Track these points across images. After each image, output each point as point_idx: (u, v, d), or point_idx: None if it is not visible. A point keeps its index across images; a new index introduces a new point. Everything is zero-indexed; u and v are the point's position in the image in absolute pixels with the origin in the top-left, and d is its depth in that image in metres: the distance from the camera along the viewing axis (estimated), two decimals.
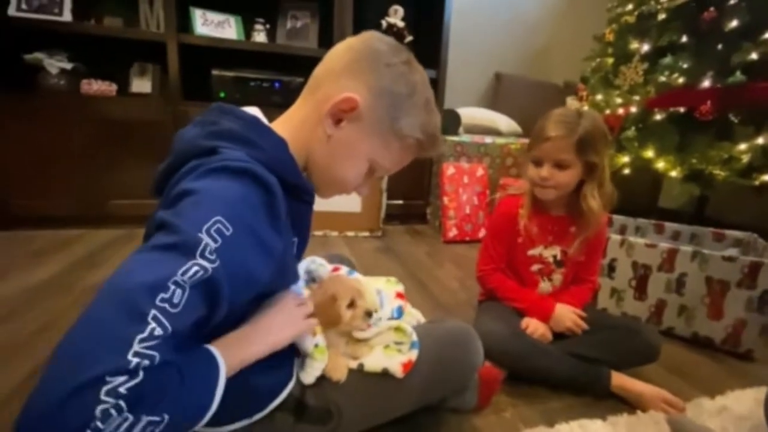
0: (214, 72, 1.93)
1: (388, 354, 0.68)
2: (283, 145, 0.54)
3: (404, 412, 0.69)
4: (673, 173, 1.55)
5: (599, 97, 1.86)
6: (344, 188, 0.63)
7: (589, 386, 0.91)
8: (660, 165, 1.58)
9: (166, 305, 0.35)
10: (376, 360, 0.67)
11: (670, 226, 1.47)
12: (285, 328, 0.56)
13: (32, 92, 1.79)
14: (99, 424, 0.30)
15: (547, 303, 1.01)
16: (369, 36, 0.59)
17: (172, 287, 0.36)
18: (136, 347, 0.33)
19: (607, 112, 1.79)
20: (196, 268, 0.37)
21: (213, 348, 0.46)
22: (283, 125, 0.58)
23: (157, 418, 0.34)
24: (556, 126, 0.94)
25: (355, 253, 1.78)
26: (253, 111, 0.56)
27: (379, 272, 1.57)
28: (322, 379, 0.64)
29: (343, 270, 0.83)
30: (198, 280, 0.37)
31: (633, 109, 1.69)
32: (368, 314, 0.67)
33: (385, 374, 0.65)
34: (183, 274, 0.37)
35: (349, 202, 2.07)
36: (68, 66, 1.83)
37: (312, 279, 0.77)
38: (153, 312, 0.34)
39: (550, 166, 0.95)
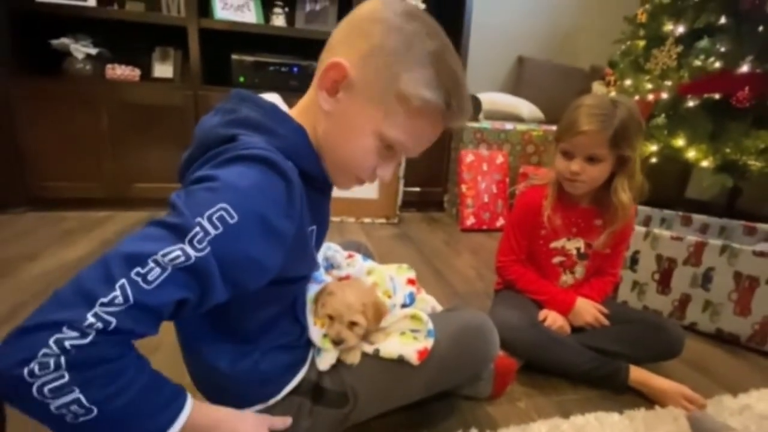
0: (234, 56, 1.94)
1: (404, 341, 0.68)
2: (301, 133, 0.53)
3: (418, 397, 0.70)
4: (705, 163, 1.48)
5: (628, 82, 1.78)
6: (357, 171, 0.56)
7: (607, 380, 0.90)
8: (691, 154, 1.51)
9: (139, 279, 0.36)
10: (392, 346, 0.67)
11: (698, 218, 1.42)
12: None
13: (60, 77, 1.84)
14: (36, 368, 0.33)
15: (568, 296, 0.99)
16: (366, 1, 0.54)
17: (151, 264, 0.37)
18: (96, 308, 0.35)
19: (636, 98, 1.71)
20: (178, 252, 0.38)
21: (189, 400, 0.45)
22: (296, 111, 0.57)
23: (85, 401, 0.35)
24: (590, 119, 0.89)
25: (371, 240, 1.79)
26: (272, 98, 0.56)
27: (395, 260, 1.56)
28: (338, 363, 0.65)
29: (358, 257, 0.84)
30: (181, 265, 0.38)
31: (664, 95, 1.61)
32: (335, 342, 0.64)
33: (401, 361, 0.65)
34: (164, 255, 0.38)
35: (366, 189, 2.07)
36: (93, 51, 1.87)
37: (331, 265, 0.78)
38: (122, 281, 0.36)
39: (582, 161, 0.91)
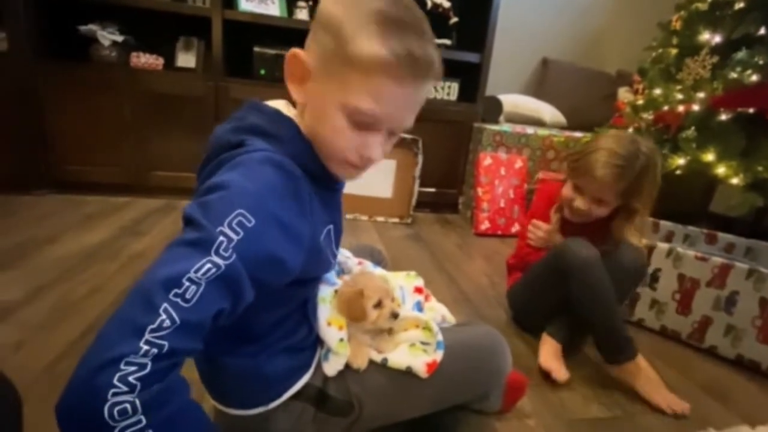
0: (256, 49, 1.94)
1: (414, 353, 0.67)
2: (300, 134, 0.54)
3: (425, 412, 0.69)
4: (735, 180, 1.42)
5: (657, 91, 1.72)
6: (340, 153, 0.53)
7: (619, 346, 0.92)
8: (720, 170, 1.45)
9: (179, 300, 0.38)
10: (400, 357, 0.66)
11: (724, 237, 1.37)
12: None
13: (86, 63, 1.87)
14: (116, 412, 0.33)
15: None
16: None
17: (186, 283, 0.38)
18: (147, 336, 0.36)
19: (665, 108, 1.65)
20: (209, 265, 0.39)
21: None
22: (295, 113, 0.58)
23: None
24: (607, 168, 0.91)
25: (383, 240, 1.78)
26: (278, 104, 0.57)
27: (407, 261, 1.57)
28: (345, 371, 0.64)
29: (367, 264, 0.83)
30: (212, 276, 0.39)
31: (695, 107, 1.55)
32: (394, 316, 0.67)
33: (409, 372, 0.65)
34: (196, 271, 0.39)
35: (381, 187, 2.06)
36: (119, 38, 1.89)
37: (342, 271, 0.77)
38: (164, 305, 0.37)
39: (589, 200, 0.96)
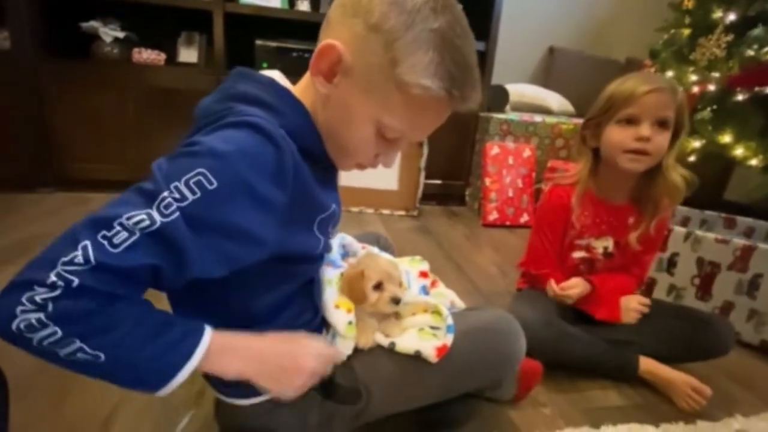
0: (258, 42, 1.92)
1: (423, 337, 0.65)
2: (301, 110, 0.51)
3: (435, 399, 0.66)
4: (753, 162, 1.37)
5: (670, 73, 1.67)
6: (356, 158, 0.54)
7: (619, 370, 0.87)
8: (738, 152, 1.40)
9: (105, 242, 0.36)
10: (408, 341, 0.64)
11: (743, 220, 1.32)
12: (283, 378, 0.50)
13: (88, 60, 1.86)
14: (23, 325, 0.34)
15: (613, 302, 0.92)
16: None
17: (117, 227, 0.37)
18: (58, 268, 0.35)
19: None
20: (143, 216, 0.37)
21: (208, 330, 0.44)
22: (298, 88, 0.54)
23: (88, 349, 0.36)
24: (657, 80, 0.83)
25: (389, 232, 1.75)
26: (272, 74, 0.53)
27: (415, 253, 1.52)
28: (352, 359, 0.62)
29: (372, 249, 0.80)
30: (146, 230, 0.37)
31: (711, 87, 1.50)
32: (395, 301, 0.64)
33: (417, 357, 0.62)
34: (129, 218, 0.37)
35: (386, 180, 2.03)
36: (121, 35, 1.88)
37: (347, 254, 0.75)
38: (85, 242, 0.36)
39: (651, 125, 0.82)
